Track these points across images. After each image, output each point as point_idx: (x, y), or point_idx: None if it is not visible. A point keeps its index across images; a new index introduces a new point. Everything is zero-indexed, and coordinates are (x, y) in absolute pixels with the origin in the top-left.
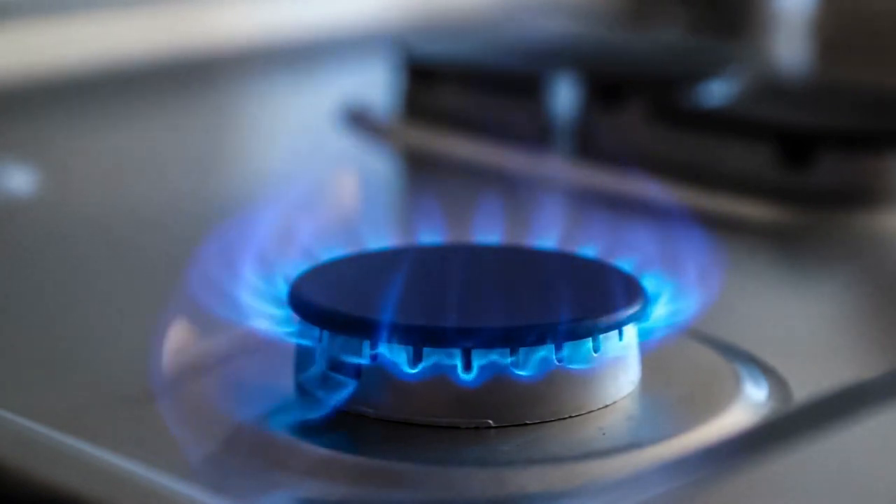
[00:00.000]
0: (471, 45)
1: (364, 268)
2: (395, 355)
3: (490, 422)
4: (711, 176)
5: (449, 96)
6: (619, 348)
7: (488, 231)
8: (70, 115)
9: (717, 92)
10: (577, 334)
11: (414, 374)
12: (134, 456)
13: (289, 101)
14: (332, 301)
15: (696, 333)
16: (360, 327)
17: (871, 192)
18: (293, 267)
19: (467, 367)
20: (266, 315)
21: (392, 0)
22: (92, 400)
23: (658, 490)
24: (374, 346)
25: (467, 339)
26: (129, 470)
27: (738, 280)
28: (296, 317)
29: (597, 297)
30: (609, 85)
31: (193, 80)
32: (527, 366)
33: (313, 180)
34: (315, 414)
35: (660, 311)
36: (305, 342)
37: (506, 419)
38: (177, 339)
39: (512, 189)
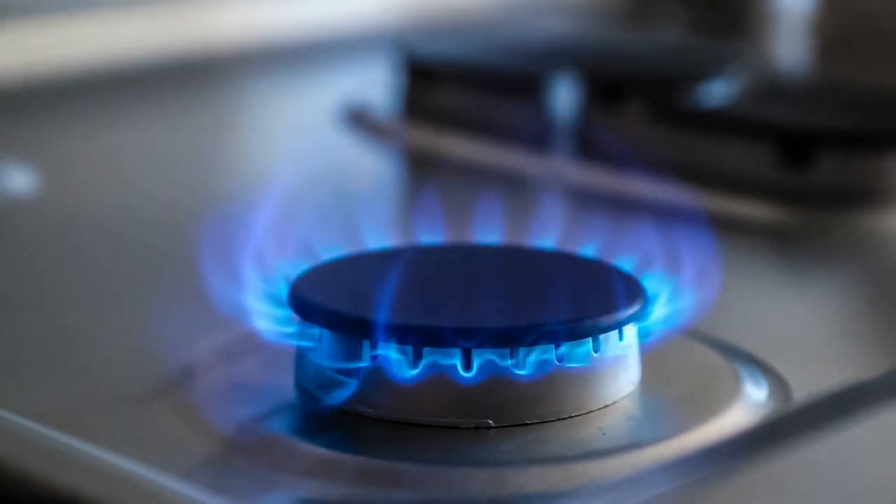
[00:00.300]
0: (471, 45)
1: (364, 268)
2: (395, 355)
3: (490, 422)
4: (711, 176)
5: (449, 96)
6: (619, 348)
7: (488, 231)
8: (70, 115)
9: (717, 92)
10: (576, 334)
11: (414, 374)
12: (134, 456)
13: (289, 101)
14: (332, 301)
15: (696, 333)
16: (359, 327)
17: (871, 192)
18: (293, 267)
19: (467, 367)
20: (266, 315)
21: (392, 0)
22: (92, 400)
23: (658, 490)
24: (373, 346)
25: (467, 339)
26: (129, 470)
27: (738, 280)
28: (296, 317)
29: (597, 297)
30: (609, 85)
31: (193, 80)
32: (527, 366)
33: (313, 180)
34: (315, 414)
35: (660, 311)
36: (305, 342)
37: (506, 419)
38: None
39: (512, 189)
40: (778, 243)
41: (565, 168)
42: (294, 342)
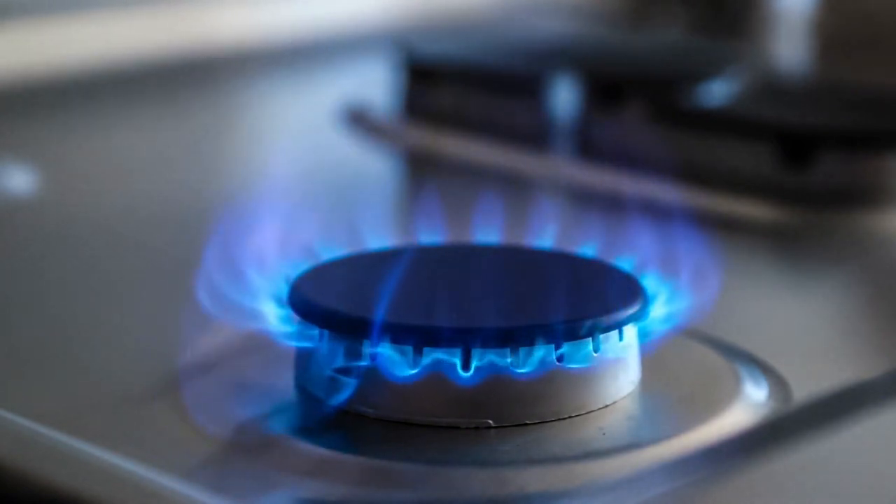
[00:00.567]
0: (471, 45)
1: (364, 268)
2: (395, 355)
3: (490, 422)
4: (711, 176)
5: (449, 96)
6: (619, 348)
7: (488, 231)
8: (70, 115)
9: (717, 92)
10: (576, 334)
11: (413, 374)
12: (134, 456)
13: (289, 101)
14: (332, 301)
15: (696, 333)
16: (359, 327)
17: (871, 192)
18: (293, 267)
19: (467, 367)
20: (266, 315)
21: (392, 0)
22: (92, 400)
23: (658, 490)
24: (373, 346)
25: (467, 339)
26: (129, 470)
27: (737, 280)
28: (296, 317)
29: (596, 296)
30: (609, 85)
31: (193, 80)
32: (527, 365)
33: (313, 180)
34: (315, 414)
35: (659, 310)
36: (305, 342)
37: (506, 419)
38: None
39: (512, 189)
40: (778, 243)
41: (565, 168)
42: (294, 342)
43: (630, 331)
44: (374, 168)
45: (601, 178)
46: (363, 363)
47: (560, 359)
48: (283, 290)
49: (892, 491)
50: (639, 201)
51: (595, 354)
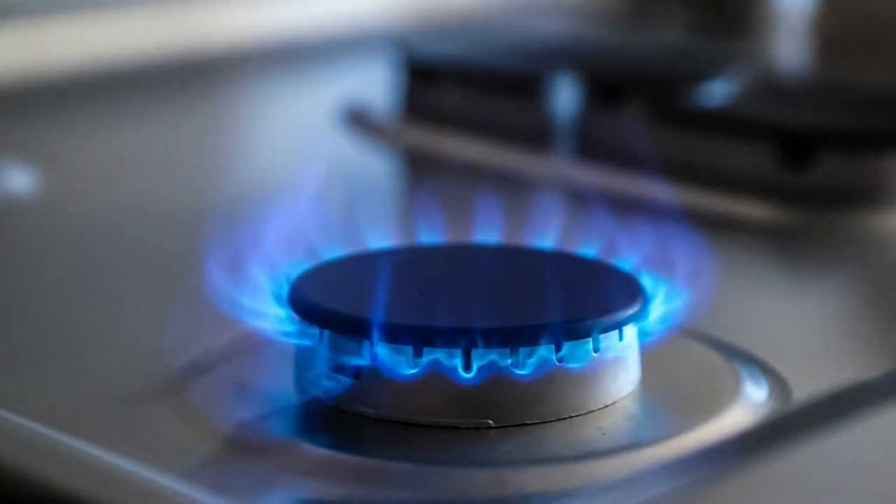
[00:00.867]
0: (471, 45)
1: (364, 268)
2: (395, 355)
3: (490, 422)
4: (711, 176)
5: (449, 96)
6: (619, 348)
7: (488, 231)
8: (70, 115)
9: (717, 92)
10: (576, 334)
11: (413, 373)
12: (134, 456)
13: (289, 101)
14: (332, 301)
15: (696, 333)
16: (359, 327)
17: (871, 192)
18: (293, 267)
19: (467, 367)
20: (266, 315)
21: (392, 0)
22: (92, 400)
23: (658, 490)
24: (373, 345)
25: (467, 339)
26: (129, 470)
27: (738, 280)
28: (296, 317)
29: (596, 296)
30: (609, 85)
31: (193, 80)
32: (526, 366)
33: (313, 180)
34: (315, 414)
35: (659, 310)
36: (305, 342)
37: (506, 419)
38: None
39: (512, 189)
40: (778, 243)
41: (565, 168)
42: (294, 342)
43: (630, 331)
44: (374, 168)
45: (601, 178)
46: (363, 363)
47: (560, 359)
48: (283, 290)
49: (892, 491)
50: (639, 201)
51: (595, 354)
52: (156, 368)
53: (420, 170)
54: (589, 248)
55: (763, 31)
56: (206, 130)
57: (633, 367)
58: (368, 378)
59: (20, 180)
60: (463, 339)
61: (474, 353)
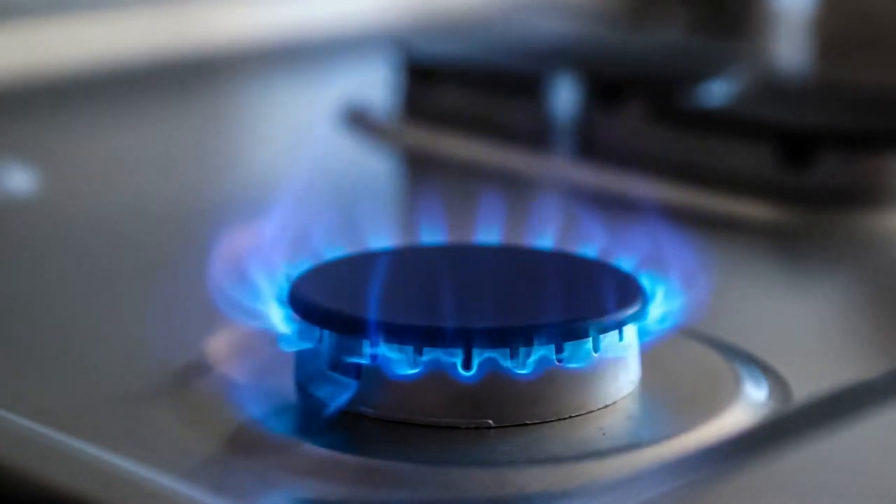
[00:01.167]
0: (471, 45)
1: (364, 267)
2: (395, 355)
3: (490, 422)
4: (711, 176)
5: (449, 96)
6: (619, 348)
7: (488, 231)
8: (70, 115)
9: (717, 92)
10: (576, 334)
11: (414, 373)
12: (134, 456)
13: (289, 101)
14: (333, 301)
15: (696, 333)
16: (359, 327)
17: (871, 192)
18: (293, 267)
19: (467, 366)
20: (266, 315)
21: (392, 0)
22: (92, 400)
23: (658, 490)
24: (373, 345)
25: (467, 339)
26: (129, 470)
27: (737, 280)
28: (296, 317)
29: (596, 296)
30: (609, 85)
31: (193, 80)
32: (527, 365)
33: (313, 180)
34: (315, 414)
35: (659, 310)
36: (305, 342)
37: (506, 419)
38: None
39: (512, 189)
40: (778, 243)
41: (565, 168)
42: (294, 342)
43: (630, 330)
44: (374, 168)
45: (601, 178)
46: (363, 363)
47: (560, 359)
48: (284, 290)
49: (892, 491)
50: (639, 201)
51: (595, 354)
52: (156, 368)
53: (420, 170)
54: (589, 248)
55: (763, 31)
56: (206, 130)
57: (633, 367)
58: (368, 378)
59: (20, 180)
60: (463, 338)
61: (474, 352)
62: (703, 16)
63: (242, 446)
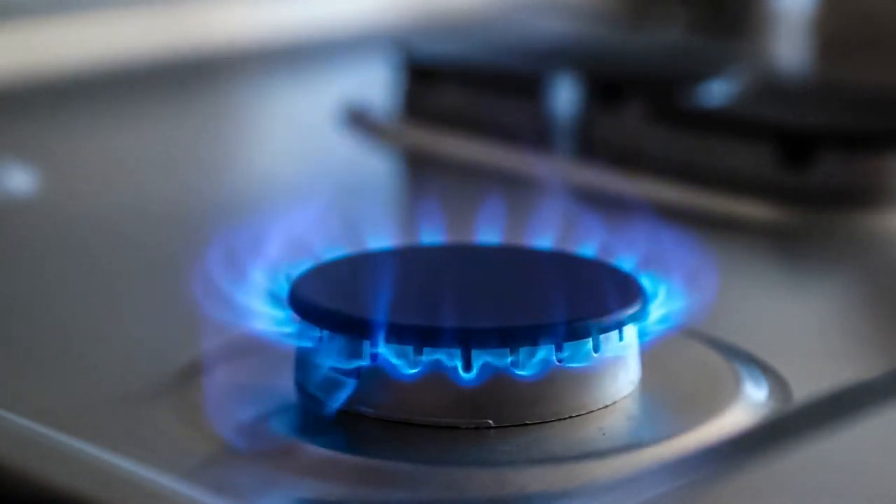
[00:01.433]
0: (471, 45)
1: (364, 268)
2: (395, 355)
3: (490, 422)
4: (711, 176)
5: (449, 96)
6: (619, 348)
7: (488, 231)
8: (70, 115)
9: (717, 92)
10: (577, 334)
11: (414, 374)
12: (134, 456)
13: (289, 101)
14: (332, 301)
15: (696, 333)
16: (359, 327)
17: (871, 192)
18: (293, 267)
19: (467, 367)
20: (266, 315)
21: (392, 0)
22: (92, 400)
23: (658, 490)
24: (373, 346)
25: (467, 339)
26: (129, 470)
27: (737, 280)
28: (296, 317)
29: (596, 296)
30: (609, 85)
31: (193, 80)
32: (527, 366)
33: (313, 180)
34: (315, 414)
35: (659, 310)
36: (305, 342)
37: (506, 419)
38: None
39: (512, 189)
40: (778, 243)
41: (565, 168)
42: (294, 342)
43: (630, 331)
44: (374, 168)
45: (601, 178)
46: (363, 363)
47: (560, 359)
48: (284, 290)
49: (892, 491)
50: (639, 201)
51: (595, 354)
52: (156, 368)
53: (420, 170)
54: (589, 248)
55: (763, 31)
56: (206, 130)
57: (633, 367)
58: (369, 378)
59: (20, 180)
60: (463, 339)
61: (474, 353)
62: (703, 16)
63: (242, 446)
